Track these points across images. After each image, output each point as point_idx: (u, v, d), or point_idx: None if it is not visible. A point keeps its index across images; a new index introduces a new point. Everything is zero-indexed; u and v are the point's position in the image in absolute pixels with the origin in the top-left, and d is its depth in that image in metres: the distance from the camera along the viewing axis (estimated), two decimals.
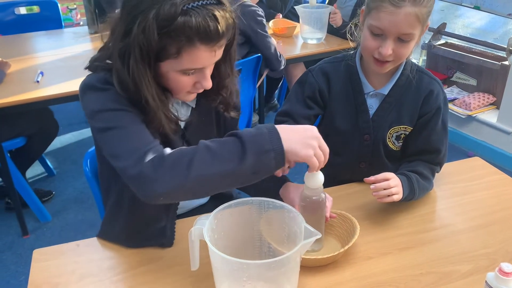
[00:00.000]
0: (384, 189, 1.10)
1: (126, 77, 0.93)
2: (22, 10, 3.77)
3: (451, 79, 3.21)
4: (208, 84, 1.00)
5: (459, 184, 1.34)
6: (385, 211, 1.19)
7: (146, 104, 0.95)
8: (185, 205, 1.24)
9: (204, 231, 0.83)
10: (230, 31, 0.96)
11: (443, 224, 1.17)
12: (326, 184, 1.31)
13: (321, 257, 0.98)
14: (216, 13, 0.90)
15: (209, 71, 0.99)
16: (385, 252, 1.05)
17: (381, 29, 1.11)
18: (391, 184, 1.10)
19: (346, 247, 1.00)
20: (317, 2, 2.83)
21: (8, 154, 2.22)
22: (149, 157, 0.86)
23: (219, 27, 0.90)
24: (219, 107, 1.13)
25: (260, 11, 2.46)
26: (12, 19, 3.42)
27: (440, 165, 1.28)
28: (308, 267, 0.99)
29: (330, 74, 1.28)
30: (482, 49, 3.09)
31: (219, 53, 0.98)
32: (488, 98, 2.96)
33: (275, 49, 2.45)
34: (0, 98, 1.97)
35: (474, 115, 2.88)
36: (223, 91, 1.10)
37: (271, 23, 2.96)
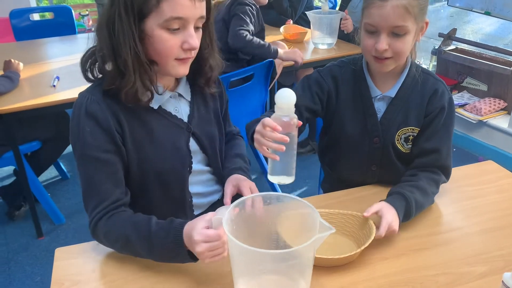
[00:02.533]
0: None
1: (109, 45, 1.00)
2: (37, 16, 3.85)
3: (461, 84, 3.21)
4: (194, 41, 1.02)
5: (473, 187, 1.35)
6: None
7: (124, 67, 1.00)
8: (199, 204, 1.26)
9: (223, 220, 0.85)
10: None
11: (457, 226, 1.18)
12: (338, 187, 1.34)
13: (338, 257, 0.99)
14: None
15: (193, 30, 1.02)
16: (400, 253, 1.06)
17: (373, 26, 1.14)
18: (393, 230, 1.07)
19: (363, 247, 1.01)
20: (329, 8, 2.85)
21: (24, 157, 2.26)
22: (94, 220, 1.04)
23: None
24: (200, 82, 1.17)
25: (251, 7, 2.39)
26: (27, 25, 3.48)
27: (443, 169, 1.25)
28: (324, 267, 1.01)
29: (338, 78, 1.30)
30: (492, 55, 3.09)
31: (200, 7, 1.01)
32: (499, 103, 2.95)
33: (240, 30, 2.32)
34: (18, 102, 2.02)
35: (485, 120, 2.87)
36: (203, 63, 1.13)
37: (282, 28, 2.99)
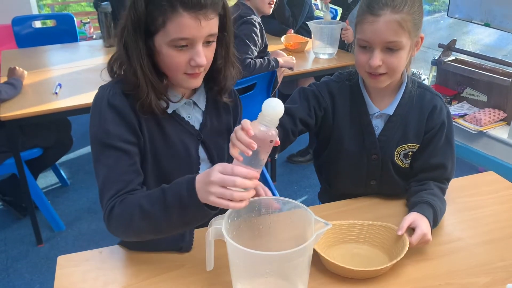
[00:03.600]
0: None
1: (123, 54, 1.03)
2: (39, 24, 3.87)
3: (461, 95, 3.23)
4: (201, 60, 1.02)
5: (474, 198, 1.35)
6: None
7: (137, 80, 1.02)
8: None
9: (222, 229, 0.86)
10: (217, 5, 1.00)
11: (459, 236, 1.18)
12: (338, 199, 1.34)
13: (372, 269, 0.99)
14: None
15: (200, 48, 1.01)
16: (404, 263, 1.06)
17: (366, 41, 1.12)
18: (427, 239, 1.09)
19: (395, 261, 1.01)
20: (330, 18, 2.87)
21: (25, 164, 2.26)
22: (108, 207, 1.00)
23: None
24: (214, 90, 1.17)
25: (255, 27, 2.38)
26: (29, 32, 3.51)
27: (448, 180, 1.28)
28: (335, 277, 1.01)
29: (335, 95, 1.27)
30: (492, 66, 3.11)
31: (207, 26, 1.00)
32: (499, 114, 2.97)
33: (246, 59, 2.30)
34: (20, 109, 2.03)
35: (485, 131, 2.89)
36: (217, 74, 1.14)
37: (283, 38, 3.01)
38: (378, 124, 1.26)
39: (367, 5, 1.12)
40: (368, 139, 1.26)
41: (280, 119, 1.16)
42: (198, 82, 1.09)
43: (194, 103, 1.17)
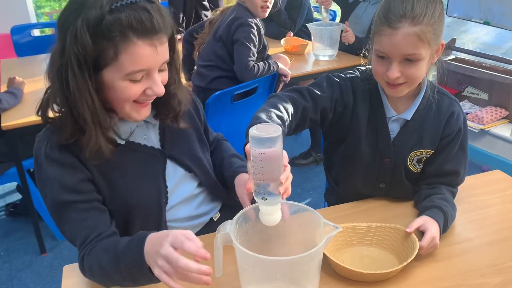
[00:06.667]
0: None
1: (63, 99, 0.93)
2: (38, 32, 3.86)
3: (462, 93, 3.22)
4: (160, 89, 0.96)
5: (482, 197, 1.34)
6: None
7: (84, 123, 0.94)
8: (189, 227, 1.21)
9: (231, 235, 0.85)
10: (168, 28, 0.94)
11: (469, 237, 1.17)
12: (346, 199, 1.33)
13: (379, 272, 0.98)
14: (148, 6, 0.90)
15: (158, 76, 0.95)
16: (414, 265, 1.04)
17: (384, 53, 1.09)
18: (436, 243, 1.08)
19: (405, 263, 1.00)
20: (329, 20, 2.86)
21: (27, 173, 2.25)
22: (80, 257, 0.99)
23: (153, 19, 0.89)
24: (168, 118, 1.09)
25: (253, 28, 2.35)
26: (28, 41, 3.50)
27: (458, 185, 1.28)
28: (344, 280, 1.00)
29: (358, 94, 1.24)
30: (492, 64, 3.10)
31: (162, 52, 0.94)
32: (501, 112, 2.96)
33: (248, 62, 2.28)
34: (21, 118, 2.02)
35: (487, 129, 2.88)
36: (171, 99, 1.06)
37: (282, 41, 3.01)
38: (394, 128, 1.24)
39: (384, 15, 1.08)
40: (383, 142, 1.24)
41: (305, 103, 1.15)
42: (147, 111, 1.02)
43: (147, 122, 1.09)
